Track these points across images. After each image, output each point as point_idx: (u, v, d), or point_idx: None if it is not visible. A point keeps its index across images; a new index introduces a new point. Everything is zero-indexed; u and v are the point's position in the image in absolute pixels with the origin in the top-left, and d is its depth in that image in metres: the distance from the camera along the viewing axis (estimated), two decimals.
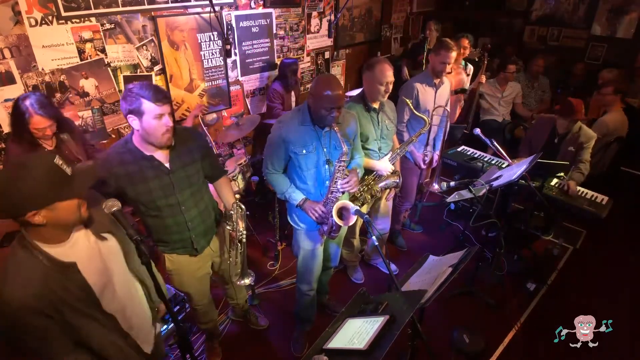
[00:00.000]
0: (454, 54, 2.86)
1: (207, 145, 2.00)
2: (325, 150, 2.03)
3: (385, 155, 2.55)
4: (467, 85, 3.97)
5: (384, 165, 2.50)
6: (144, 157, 1.70)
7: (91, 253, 1.30)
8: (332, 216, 1.97)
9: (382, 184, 2.53)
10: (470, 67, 3.98)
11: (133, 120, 1.61)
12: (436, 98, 3.02)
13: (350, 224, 2.03)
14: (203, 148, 1.93)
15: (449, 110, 3.09)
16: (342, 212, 2.01)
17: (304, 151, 1.99)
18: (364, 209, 2.62)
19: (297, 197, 2.07)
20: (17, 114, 2.14)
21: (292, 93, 3.98)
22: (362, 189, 2.46)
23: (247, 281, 2.06)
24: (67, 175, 1.15)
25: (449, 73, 3.14)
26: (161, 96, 1.59)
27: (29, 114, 2.12)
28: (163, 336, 2.46)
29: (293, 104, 4.02)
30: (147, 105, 1.57)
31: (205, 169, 1.94)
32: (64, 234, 1.23)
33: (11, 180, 1.08)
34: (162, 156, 1.74)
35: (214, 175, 2.04)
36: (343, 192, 2.04)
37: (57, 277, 1.17)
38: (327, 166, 2.05)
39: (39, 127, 2.17)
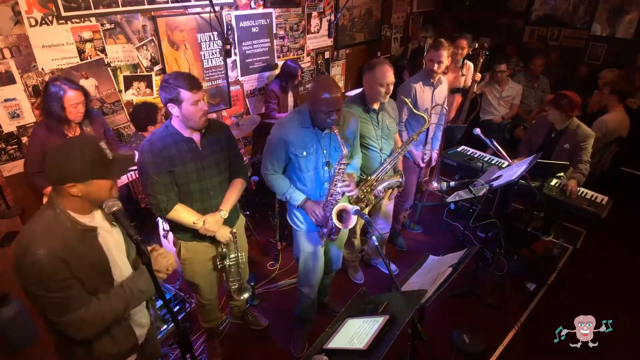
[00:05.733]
0: (444, 53, 2.88)
1: (233, 138, 2.08)
2: (325, 152, 2.02)
3: (388, 155, 2.55)
4: (468, 82, 3.98)
5: None
6: (184, 139, 1.84)
7: (104, 232, 1.39)
8: (331, 219, 1.97)
9: (384, 184, 2.52)
10: (470, 65, 3.98)
11: (172, 108, 1.76)
12: (434, 97, 3.03)
13: (350, 226, 2.02)
14: (230, 139, 2.04)
15: (447, 109, 3.10)
16: (342, 215, 2.00)
17: (304, 153, 1.99)
18: (366, 210, 2.61)
19: (298, 197, 2.07)
20: (49, 94, 2.26)
21: (290, 94, 3.99)
22: (365, 190, 2.45)
23: (245, 295, 2.26)
24: (108, 159, 1.29)
25: (445, 73, 3.15)
26: (196, 84, 1.74)
27: (63, 91, 2.26)
28: (163, 336, 2.48)
29: (290, 105, 4.03)
30: (185, 94, 1.72)
31: (229, 160, 2.03)
32: (89, 208, 1.34)
33: (61, 153, 1.24)
34: (197, 140, 1.87)
35: (232, 170, 2.07)
36: (343, 194, 2.04)
37: (76, 239, 1.27)
38: (326, 168, 2.04)
39: (74, 102, 2.29)
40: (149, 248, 1.44)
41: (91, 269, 1.30)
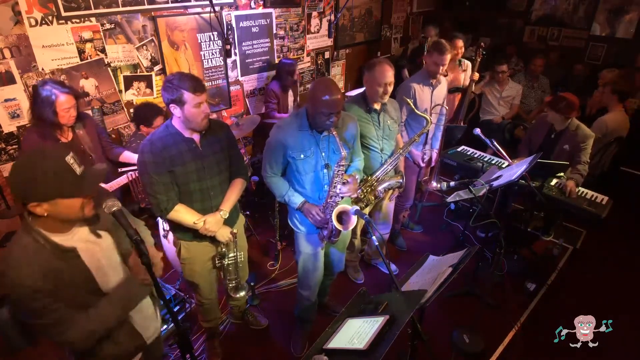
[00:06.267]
0: (448, 56, 2.88)
1: (234, 138, 2.08)
2: (323, 154, 2.02)
3: (388, 155, 2.54)
4: (467, 81, 3.98)
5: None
6: (184, 140, 1.84)
7: (89, 245, 1.33)
8: (331, 221, 1.97)
9: (385, 185, 2.51)
10: (467, 63, 3.98)
11: (174, 109, 1.76)
12: (433, 98, 3.03)
13: (350, 228, 2.02)
14: (230, 139, 2.04)
15: (447, 108, 3.10)
16: (342, 217, 1.99)
17: (302, 156, 1.99)
18: (367, 210, 2.61)
19: (296, 200, 2.07)
20: (40, 99, 2.18)
21: (290, 93, 3.99)
22: (365, 190, 2.45)
23: (241, 294, 2.24)
24: (76, 175, 1.18)
25: (445, 75, 3.15)
26: (199, 86, 1.74)
27: (54, 95, 2.19)
28: (163, 336, 2.47)
29: (291, 104, 4.03)
30: (188, 96, 1.72)
31: (229, 160, 2.03)
32: (65, 227, 1.27)
33: (22, 167, 1.15)
34: (197, 140, 1.88)
35: (232, 170, 2.07)
36: (342, 197, 2.04)
37: (57, 261, 1.22)
38: (325, 170, 2.04)
39: (66, 106, 2.23)
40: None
41: (77, 289, 1.27)
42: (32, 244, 1.19)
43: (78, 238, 1.31)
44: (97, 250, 1.36)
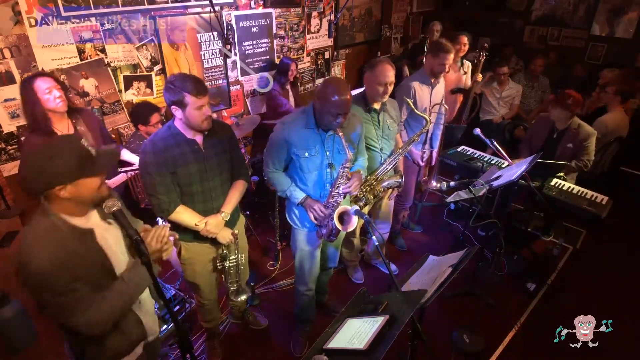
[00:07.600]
0: (451, 56, 2.88)
1: (236, 140, 2.09)
2: (328, 153, 2.01)
3: (388, 155, 2.55)
4: (468, 83, 3.98)
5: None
6: (187, 141, 1.83)
7: (102, 230, 1.39)
8: (332, 220, 1.96)
9: (384, 184, 2.52)
10: (468, 64, 3.98)
11: (176, 111, 1.76)
12: (432, 97, 3.03)
13: (350, 229, 2.01)
14: (232, 141, 2.04)
15: (447, 107, 3.10)
16: (343, 217, 1.99)
17: (306, 154, 1.98)
18: (366, 210, 2.61)
19: (298, 195, 2.07)
20: (24, 93, 2.19)
21: (291, 93, 3.98)
22: (364, 190, 2.45)
23: (243, 297, 2.23)
24: (92, 155, 1.27)
25: (446, 72, 3.15)
26: (201, 89, 1.73)
27: (31, 82, 2.17)
28: (163, 336, 2.47)
29: (292, 104, 4.02)
30: (189, 98, 1.71)
31: (230, 161, 2.03)
32: (83, 209, 1.33)
33: (45, 158, 1.20)
34: (200, 141, 1.87)
35: (233, 172, 2.06)
36: (344, 196, 2.04)
37: (75, 242, 1.27)
38: (328, 170, 2.04)
39: (44, 87, 2.19)
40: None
41: (93, 269, 1.31)
42: (50, 226, 1.24)
43: (93, 222, 1.36)
44: (109, 235, 1.40)
